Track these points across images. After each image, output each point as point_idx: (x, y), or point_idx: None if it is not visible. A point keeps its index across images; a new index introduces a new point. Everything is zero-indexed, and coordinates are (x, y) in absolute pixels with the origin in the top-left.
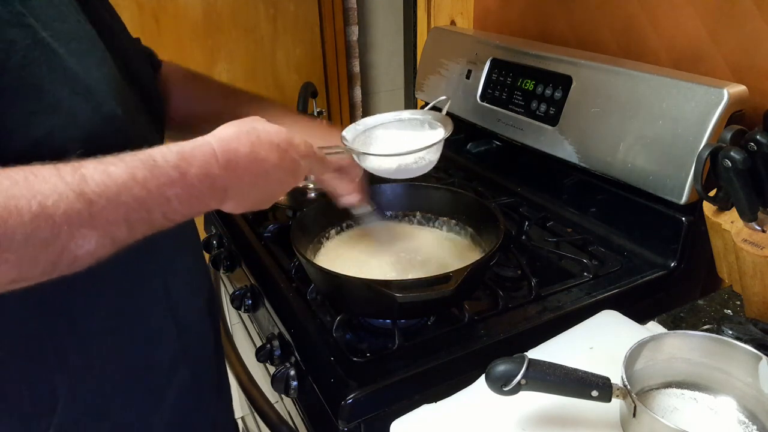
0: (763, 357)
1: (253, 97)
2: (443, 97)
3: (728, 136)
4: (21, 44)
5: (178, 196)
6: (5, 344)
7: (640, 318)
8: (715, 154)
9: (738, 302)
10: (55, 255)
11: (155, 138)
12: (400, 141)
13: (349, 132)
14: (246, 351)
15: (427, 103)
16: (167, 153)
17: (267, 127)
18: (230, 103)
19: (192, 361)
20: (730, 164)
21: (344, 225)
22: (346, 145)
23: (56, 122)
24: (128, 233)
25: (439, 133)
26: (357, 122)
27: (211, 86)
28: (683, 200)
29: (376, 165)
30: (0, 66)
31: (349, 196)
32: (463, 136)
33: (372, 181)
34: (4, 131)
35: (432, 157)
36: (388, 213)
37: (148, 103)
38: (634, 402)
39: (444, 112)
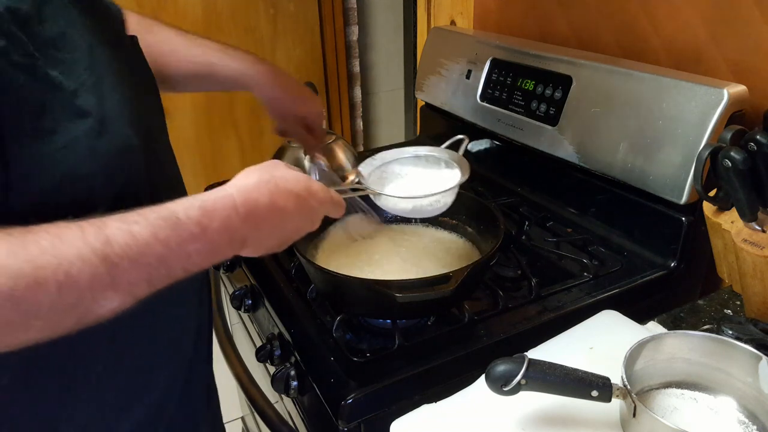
0: (763, 357)
1: (225, 48)
2: (461, 136)
3: (728, 136)
4: (33, 89)
5: (199, 251)
6: (10, 372)
7: (640, 318)
8: (715, 154)
9: (738, 302)
10: (79, 317)
11: (170, 159)
12: (416, 179)
13: (366, 167)
14: (246, 351)
15: (441, 138)
16: (189, 208)
17: (286, 174)
18: (207, 55)
19: (185, 380)
20: (730, 164)
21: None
22: (363, 184)
23: (74, 162)
24: (148, 289)
25: (456, 176)
26: (374, 156)
27: (187, 43)
28: (683, 200)
29: (392, 204)
30: (15, 114)
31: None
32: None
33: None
34: (29, 172)
35: (448, 200)
36: (388, 214)
37: (148, 88)
38: (634, 402)
39: (461, 152)
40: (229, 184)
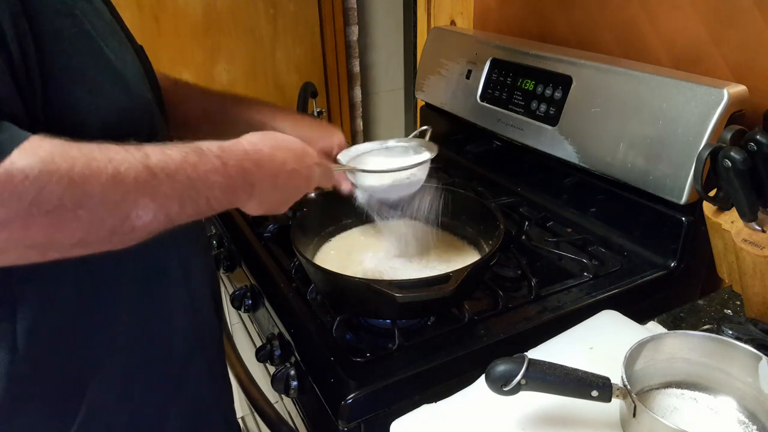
0: (763, 357)
1: (234, 97)
2: (425, 127)
3: (728, 136)
4: (68, 32)
5: (220, 184)
6: (38, 339)
7: (640, 318)
8: (715, 154)
9: (738, 302)
10: (119, 220)
11: (167, 131)
12: (389, 165)
13: (343, 156)
14: (246, 351)
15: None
16: (210, 144)
17: (284, 136)
18: (216, 103)
19: (206, 352)
20: (730, 164)
21: (344, 225)
22: (344, 164)
23: (98, 105)
24: (179, 210)
25: (426, 155)
26: (348, 149)
27: (197, 90)
28: (683, 200)
29: (371, 182)
30: (50, 50)
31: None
32: (463, 136)
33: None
34: (56, 111)
35: (421, 175)
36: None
37: (158, 98)
38: (634, 402)
39: (427, 137)
40: (239, 138)
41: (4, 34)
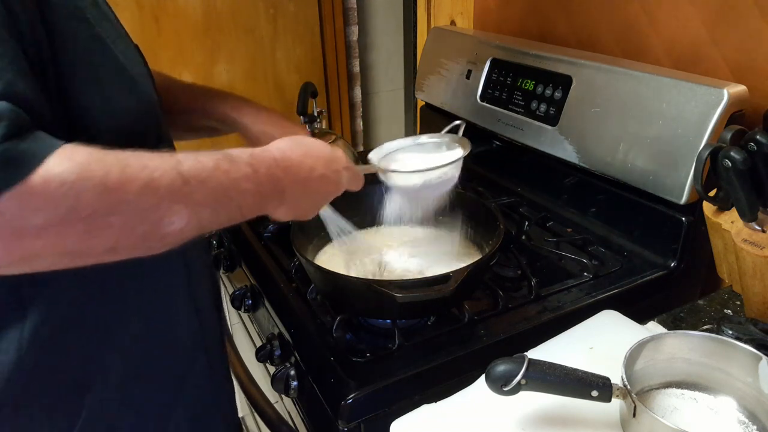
0: (763, 357)
1: (208, 90)
2: (458, 122)
3: (728, 136)
4: (82, 36)
5: (251, 191)
6: (45, 337)
7: (640, 318)
8: (715, 154)
9: (738, 302)
10: (151, 227)
11: (169, 138)
12: (422, 161)
13: (374, 154)
14: (246, 351)
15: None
16: (241, 153)
17: (313, 141)
18: (188, 96)
19: (208, 352)
20: (730, 164)
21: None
22: (375, 164)
23: (111, 109)
24: (212, 217)
25: (459, 152)
26: (380, 146)
27: (170, 82)
28: (683, 200)
29: (402, 182)
30: (66, 56)
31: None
32: (463, 136)
33: (373, 182)
34: (70, 115)
35: (454, 172)
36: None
37: (160, 106)
38: (634, 402)
39: (460, 133)
40: (267, 146)
41: (24, 37)
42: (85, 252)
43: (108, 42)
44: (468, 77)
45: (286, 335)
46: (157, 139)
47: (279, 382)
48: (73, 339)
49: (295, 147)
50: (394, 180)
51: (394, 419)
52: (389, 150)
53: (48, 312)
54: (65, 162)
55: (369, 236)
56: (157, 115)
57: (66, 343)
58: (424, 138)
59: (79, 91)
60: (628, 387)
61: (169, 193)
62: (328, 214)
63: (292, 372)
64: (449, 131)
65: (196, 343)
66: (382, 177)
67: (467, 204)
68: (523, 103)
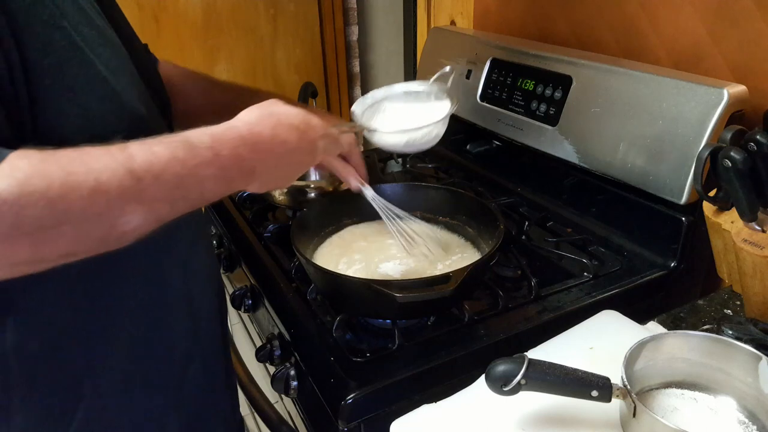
0: (763, 357)
1: (250, 90)
2: (447, 68)
3: (728, 136)
4: (57, 45)
5: (213, 176)
6: (36, 340)
7: (640, 318)
8: (715, 154)
9: (738, 302)
10: (107, 229)
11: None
12: (408, 114)
13: (358, 106)
14: (246, 351)
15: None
16: (201, 135)
17: (286, 109)
18: (229, 96)
19: (204, 354)
20: (730, 164)
21: (344, 224)
22: (356, 122)
23: (85, 123)
24: (170, 209)
25: (446, 106)
26: (365, 96)
27: (208, 82)
28: (683, 200)
29: (386, 140)
30: (37, 64)
31: (352, 180)
32: (463, 136)
33: (373, 182)
34: (40, 129)
35: (439, 130)
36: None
37: (157, 101)
38: (634, 402)
39: (449, 83)
40: (233, 119)
41: None
42: (39, 260)
43: (87, 50)
44: (468, 77)
45: (286, 335)
46: None
47: (279, 382)
48: (63, 341)
49: (265, 118)
50: (377, 138)
51: (394, 419)
52: (375, 99)
53: (37, 314)
54: (4, 180)
55: (368, 235)
56: (144, 134)
57: (56, 345)
58: (414, 86)
59: (53, 100)
60: (628, 387)
61: (120, 194)
62: (379, 203)
63: (292, 372)
64: (438, 79)
65: (192, 348)
66: (365, 134)
67: (467, 204)
68: (523, 103)
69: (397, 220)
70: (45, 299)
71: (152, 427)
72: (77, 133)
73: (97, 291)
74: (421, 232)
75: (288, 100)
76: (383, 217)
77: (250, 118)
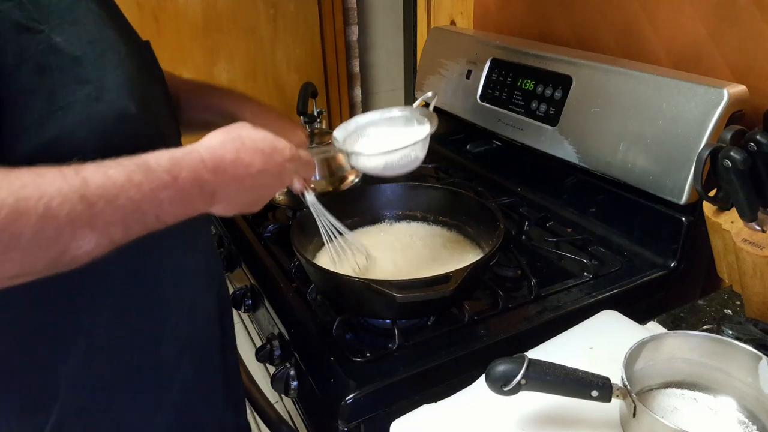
0: (763, 357)
1: (218, 88)
2: (430, 93)
3: (728, 136)
4: (34, 50)
5: (170, 199)
6: (9, 338)
7: (640, 318)
8: (715, 154)
9: (738, 302)
10: (57, 254)
11: (174, 133)
12: (390, 138)
13: (340, 131)
14: (246, 351)
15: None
16: (160, 158)
17: (252, 133)
18: (199, 94)
19: (197, 356)
20: (730, 164)
21: (344, 225)
22: (335, 146)
23: (68, 123)
24: (124, 233)
25: (425, 130)
26: (348, 121)
27: (178, 80)
28: (683, 200)
29: (363, 163)
30: (12, 71)
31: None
32: (463, 136)
33: (373, 182)
34: (17, 133)
35: (418, 153)
36: (388, 213)
37: (168, 100)
38: (634, 402)
39: (431, 107)
40: (196, 143)
41: None
42: None
43: (68, 51)
44: (468, 77)
45: (286, 335)
46: (134, 149)
47: (279, 382)
48: (39, 340)
49: (228, 142)
50: (356, 161)
51: (394, 419)
52: (358, 124)
53: (15, 311)
54: None
55: (368, 235)
56: (135, 130)
57: (31, 344)
58: (396, 111)
59: (32, 101)
60: (628, 387)
61: (70, 220)
62: (318, 209)
63: (292, 372)
64: (421, 104)
65: (182, 352)
66: (346, 159)
67: (467, 204)
68: (523, 103)
69: (333, 230)
70: (13, 299)
71: (138, 427)
72: (59, 132)
73: (74, 295)
74: (355, 245)
75: (266, 113)
76: (319, 225)
77: (213, 142)
